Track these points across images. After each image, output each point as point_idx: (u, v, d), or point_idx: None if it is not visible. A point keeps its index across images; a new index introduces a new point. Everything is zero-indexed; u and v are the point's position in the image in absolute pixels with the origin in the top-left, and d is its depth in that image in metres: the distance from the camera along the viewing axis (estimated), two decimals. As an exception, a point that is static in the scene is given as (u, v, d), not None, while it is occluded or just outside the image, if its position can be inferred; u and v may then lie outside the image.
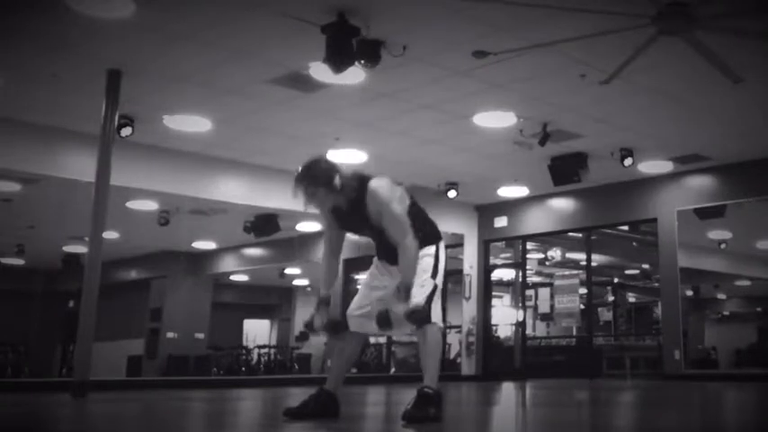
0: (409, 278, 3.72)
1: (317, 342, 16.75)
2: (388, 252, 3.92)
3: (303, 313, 21.31)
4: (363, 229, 3.96)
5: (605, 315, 15.33)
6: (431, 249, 3.91)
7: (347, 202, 3.83)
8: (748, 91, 7.49)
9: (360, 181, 3.81)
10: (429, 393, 3.72)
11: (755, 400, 6.70)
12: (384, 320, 3.75)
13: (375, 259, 4.09)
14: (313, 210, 3.85)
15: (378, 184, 3.79)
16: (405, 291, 3.69)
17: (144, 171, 9.57)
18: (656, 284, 11.85)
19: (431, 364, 3.81)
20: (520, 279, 13.31)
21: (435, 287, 3.83)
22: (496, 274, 13.92)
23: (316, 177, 3.72)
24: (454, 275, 13.62)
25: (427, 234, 3.93)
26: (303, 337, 4.22)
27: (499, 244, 13.59)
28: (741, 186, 10.50)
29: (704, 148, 9.95)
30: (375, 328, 3.90)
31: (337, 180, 3.74)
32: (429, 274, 3.83)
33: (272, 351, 19.55)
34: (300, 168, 3.77)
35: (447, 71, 7.41)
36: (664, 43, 6.01)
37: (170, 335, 17.12)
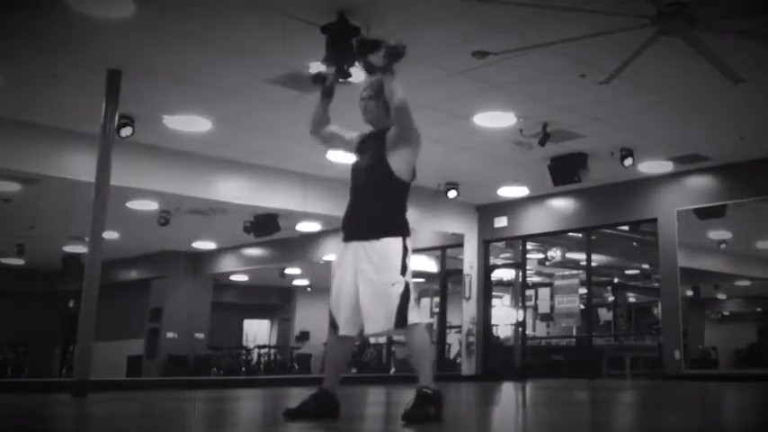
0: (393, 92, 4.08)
1: (317, 342, 16.72)
2: (357, 210, 3.95)
3: (303, 313, 21.37)
4: (363, 168, 4.06)
5: (605, 315, 15.35)
6: (398, 243, 3.84)
7: (376, 130, 4.13)
8: (748, 91, 7.49)
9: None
10: (428, 393, 3.72)
11: (755, 400, 6.70)
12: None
13: (336, 257, 4.04)
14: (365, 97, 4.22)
15: None
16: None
17: (144, 171, 9.57)
18: (656, 284, 11.84)
19: (423, 364, 3.83)
20: (520, 279, 13.30)
21: (408, 285, 3.79)
22: (496, 274, 13.91)
23: (382, 89, 4.22)
24: (454, 275, 13.65)
25: (403, 222, 3.93)
26: (318, 80, 4.16)
27: (499, 244, 13.59)
28: (741, 186, 10.49)
29: (704, 148, 9.95)
30: (361, 328, 3.86)
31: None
32: (398, 271, 3.79)
33: (272, 351, 19.59)
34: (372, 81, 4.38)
35: (447, 71, 7.41)
36: (664, 43, 6.01)
37: (170, 335, 17.12)
